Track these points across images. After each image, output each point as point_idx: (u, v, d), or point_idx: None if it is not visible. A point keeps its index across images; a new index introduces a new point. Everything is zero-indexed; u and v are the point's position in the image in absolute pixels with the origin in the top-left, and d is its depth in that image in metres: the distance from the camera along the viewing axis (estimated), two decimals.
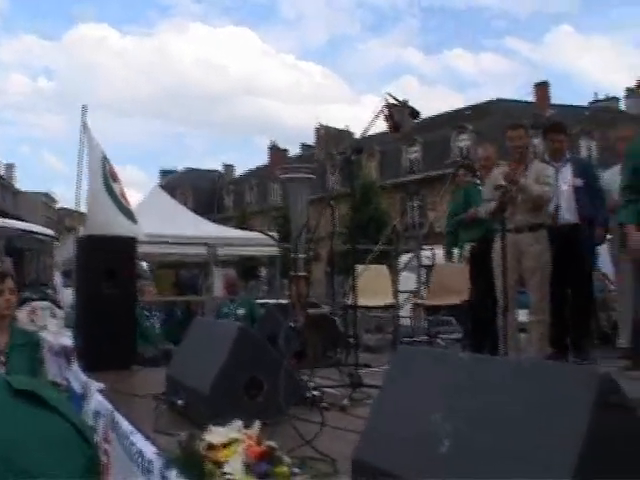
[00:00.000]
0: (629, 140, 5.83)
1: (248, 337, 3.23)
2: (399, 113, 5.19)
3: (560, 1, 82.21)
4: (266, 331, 6.20)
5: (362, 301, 5.23)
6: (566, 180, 5.80)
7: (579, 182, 5.80)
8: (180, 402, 3.33)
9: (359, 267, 5.23)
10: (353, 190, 5.61)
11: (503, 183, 5.10)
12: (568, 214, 5.75)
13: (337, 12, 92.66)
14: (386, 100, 4.89)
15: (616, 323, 6.53)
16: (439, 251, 8.24)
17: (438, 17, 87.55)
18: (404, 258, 9.45)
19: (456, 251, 6.76)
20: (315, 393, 3.59)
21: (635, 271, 5.73)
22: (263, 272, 33.83)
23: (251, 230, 31.07)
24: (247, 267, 28.38)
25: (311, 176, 4.25)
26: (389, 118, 4.90)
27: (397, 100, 4.86)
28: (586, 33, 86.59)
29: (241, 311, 7.97)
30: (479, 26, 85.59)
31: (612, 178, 6.23)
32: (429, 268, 8.71)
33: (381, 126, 5.20)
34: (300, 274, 4.46)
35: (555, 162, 5.90)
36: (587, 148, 34.44)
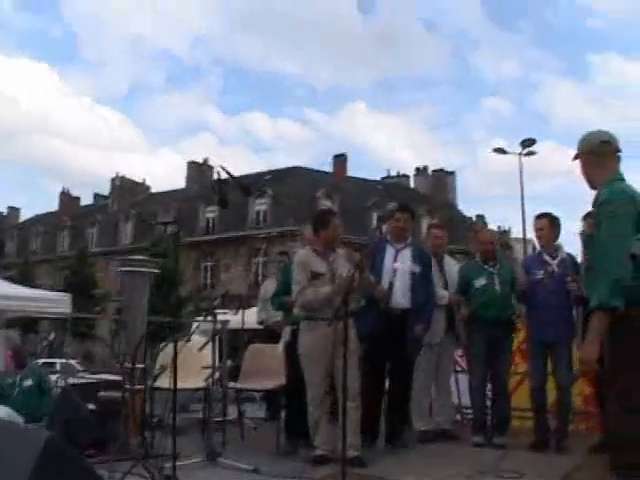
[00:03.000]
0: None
1: (57, 451, 2.69)
2: (229, 187, 4.96)
3: (355, 80, 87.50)
4: (64, 415, 5.59)
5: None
6: (404, 263, 5.73)
7: (417, 268, 5.75)
8: None
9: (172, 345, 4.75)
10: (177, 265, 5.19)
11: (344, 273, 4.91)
12: (402, 298, 5.64)
13: (140, 60, 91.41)
14: (219, 174, 4.63)
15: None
16: (234, 317, 7.73)
17: (239, 79, 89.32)
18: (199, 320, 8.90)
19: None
20: None
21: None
22: (43, 327, 31.70)
23: (35, 284, 29.14)
24: (27, 322, 26.48)
25: (155, 271, 3.89)
26: (220, 193, 4.64)
27: (230, 175, 4.60)
28: (379, 111, 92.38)
29: (28, 382, 7.11)
30: (279, 92, 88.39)
31: None
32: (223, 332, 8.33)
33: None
34: (136, 387, 3.97)
35: (397, 243, 5.82)
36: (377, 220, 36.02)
